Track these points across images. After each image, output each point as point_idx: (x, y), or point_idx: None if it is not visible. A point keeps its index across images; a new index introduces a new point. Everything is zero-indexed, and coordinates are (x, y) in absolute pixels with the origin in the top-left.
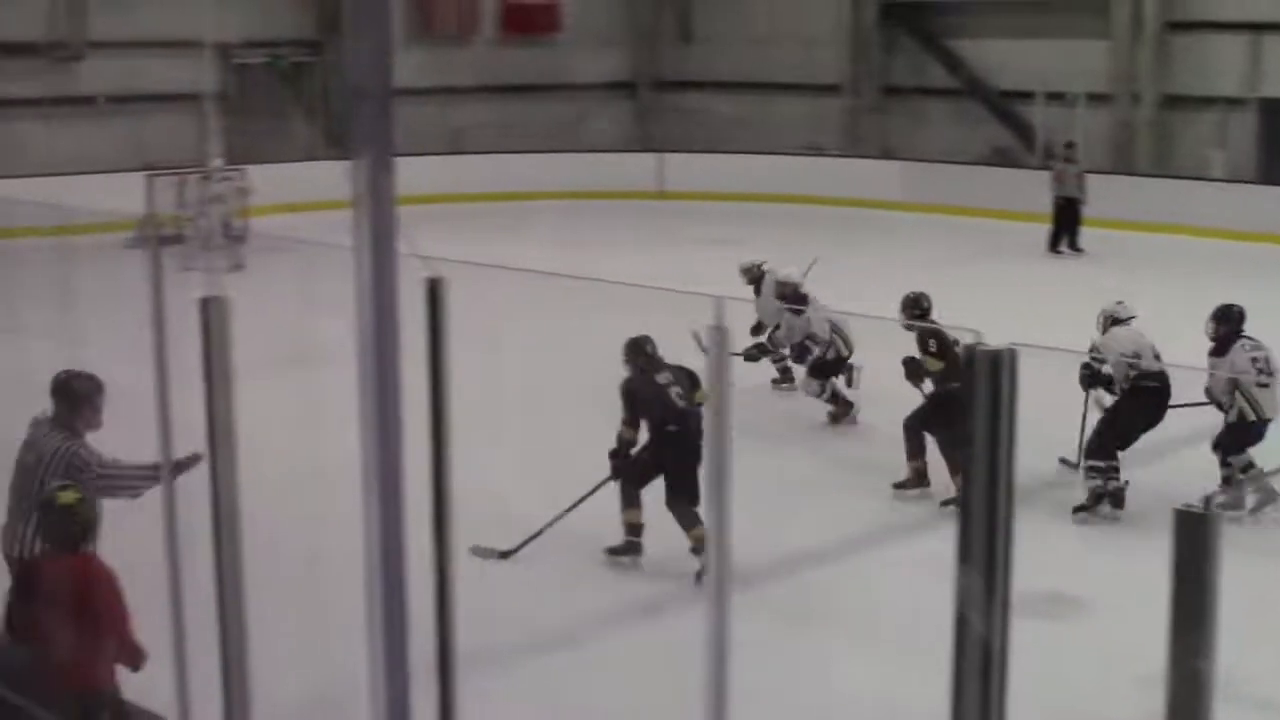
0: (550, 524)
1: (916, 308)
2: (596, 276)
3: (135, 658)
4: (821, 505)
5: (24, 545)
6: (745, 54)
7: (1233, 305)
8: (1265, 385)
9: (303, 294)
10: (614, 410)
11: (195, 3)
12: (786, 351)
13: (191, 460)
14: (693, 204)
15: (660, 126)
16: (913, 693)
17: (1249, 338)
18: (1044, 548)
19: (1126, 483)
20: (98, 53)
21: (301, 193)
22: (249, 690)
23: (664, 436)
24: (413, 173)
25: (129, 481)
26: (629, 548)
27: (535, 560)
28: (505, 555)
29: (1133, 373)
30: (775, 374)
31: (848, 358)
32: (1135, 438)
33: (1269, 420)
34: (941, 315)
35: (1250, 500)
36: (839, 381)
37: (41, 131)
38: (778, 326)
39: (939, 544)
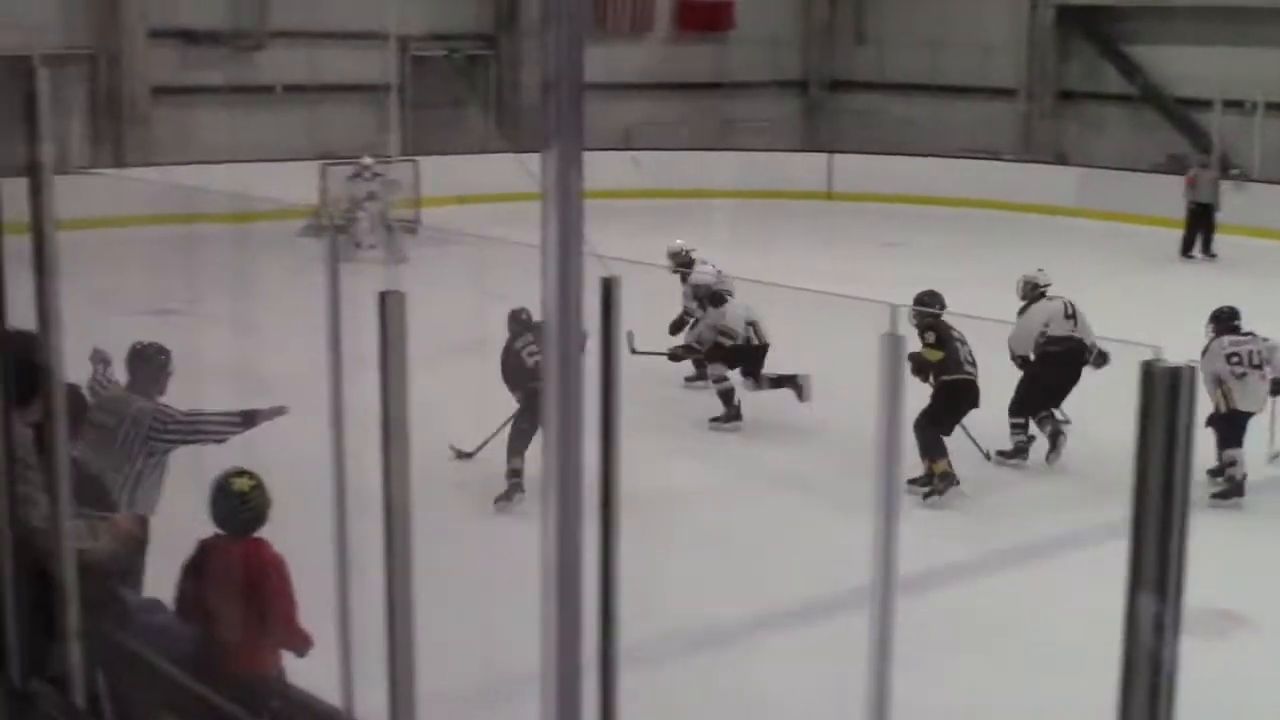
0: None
1: (923, 304)
2: (766, 279)
3: (301, 644)
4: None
5: (124, 505)
6: (919, 56)
7: (1224, 307)
8: (1240, 377)
9: (471, 286)
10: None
11: None
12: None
13: (276, 411)
14: (862, 205)
15: (830, 127)
16: None
17: (1240, 333)
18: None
19: (1060, 432)
20: (278, 42)
21: (474, 185)
22: (414, 680)
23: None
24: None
25: (214, 428)
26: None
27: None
28: (465, 456)
29: (1042, 339)
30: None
31: (760, 350)
32: (1056, 398)
33: (1242, 412)
34: (1101, 324)
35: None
36: (745, 385)
37: (222, 119)
38: (697, 321)
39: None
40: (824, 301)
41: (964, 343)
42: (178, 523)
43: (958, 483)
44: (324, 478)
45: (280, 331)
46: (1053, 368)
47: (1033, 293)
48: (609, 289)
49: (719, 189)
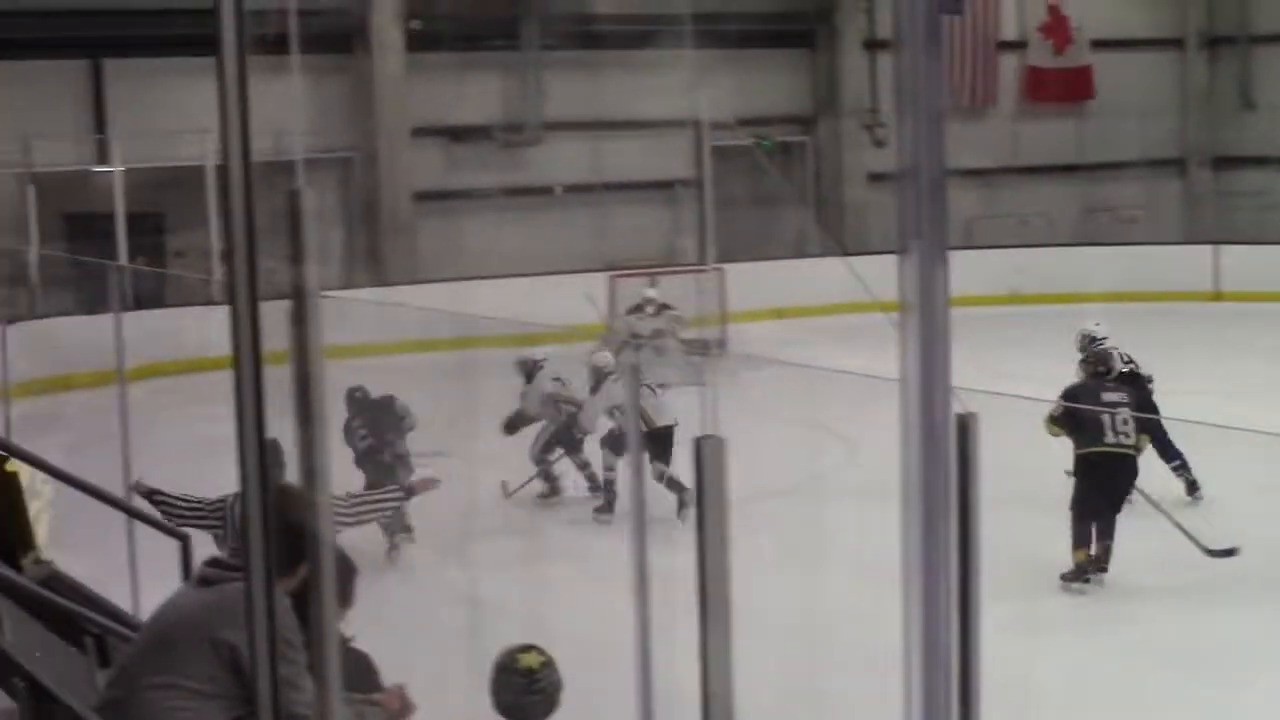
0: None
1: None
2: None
3: None
4: None
5: None
6: None
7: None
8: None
9: (791, 417)
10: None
11: (667, 77)
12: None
13: (429, 483)
14: (1257, 307)
15: (1215, 212)
16: None
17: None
18: None
19: None
20: (556, 136)
21: (791, 295)
22: None
23: None
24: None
25: (377, 505)
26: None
27: None
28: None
29: None
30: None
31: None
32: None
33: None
34: None
35: None
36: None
37: (493, 226)
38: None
39: None
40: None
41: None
42: (452, 702)
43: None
44: (624, 658)
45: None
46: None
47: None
48: (964, 426)
49: (1079, 292)
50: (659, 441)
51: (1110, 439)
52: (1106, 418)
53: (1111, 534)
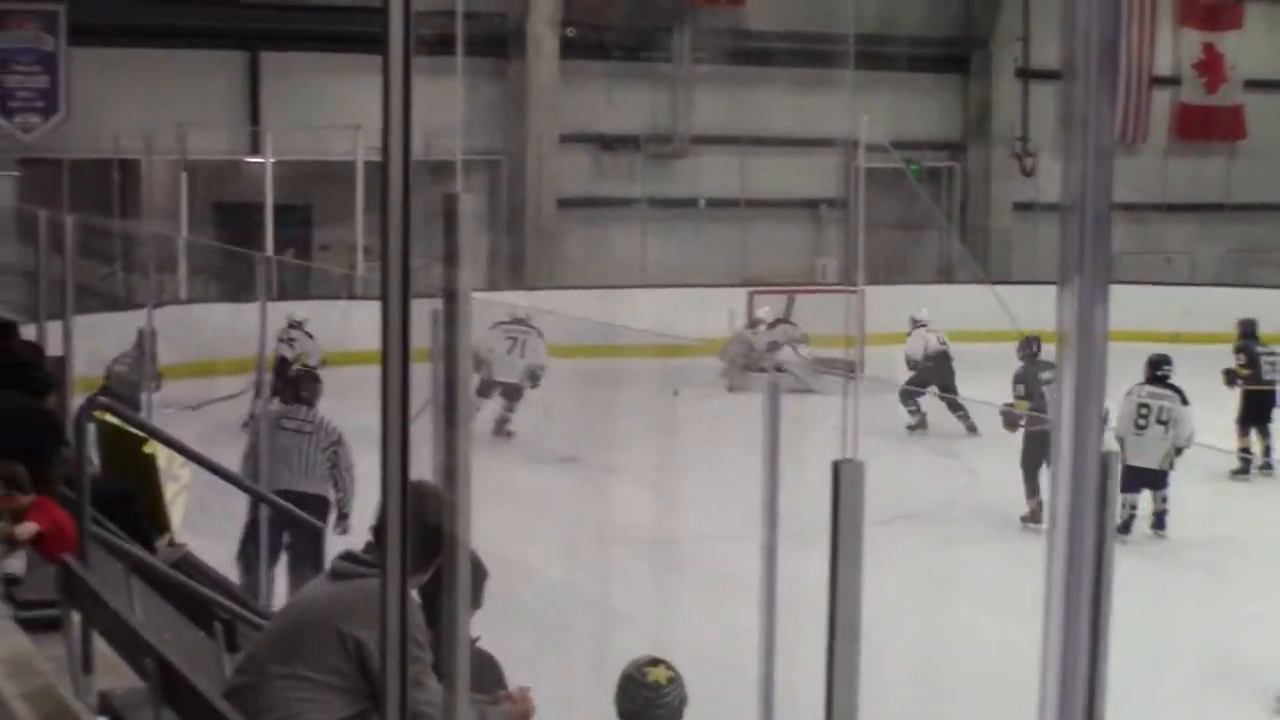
0: None
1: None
2: None
3: None
4: None
5: None
6: None
7: (1156, 355)
8: (1140, 429)
9: (918, 445)
10: None
11: (818, 96)
12: None
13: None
14: None
15: None
16: None
17: (1162, 384)
18: None
19: None
20: (702, 149)
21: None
22: None
23: None
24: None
25: None
26: None
27: None
28: None
29: None
30: None
31: None
32: None
33: (1136, 467)
34: None
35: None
36: None
37: (634, 235)
38: None
39: None
40: None
41: None
42: (570, 708)
43: None
44: (747, 677)
45: (695, 488)
46: None
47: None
48: (1106, 466)
49: (1228, 333)
50: None
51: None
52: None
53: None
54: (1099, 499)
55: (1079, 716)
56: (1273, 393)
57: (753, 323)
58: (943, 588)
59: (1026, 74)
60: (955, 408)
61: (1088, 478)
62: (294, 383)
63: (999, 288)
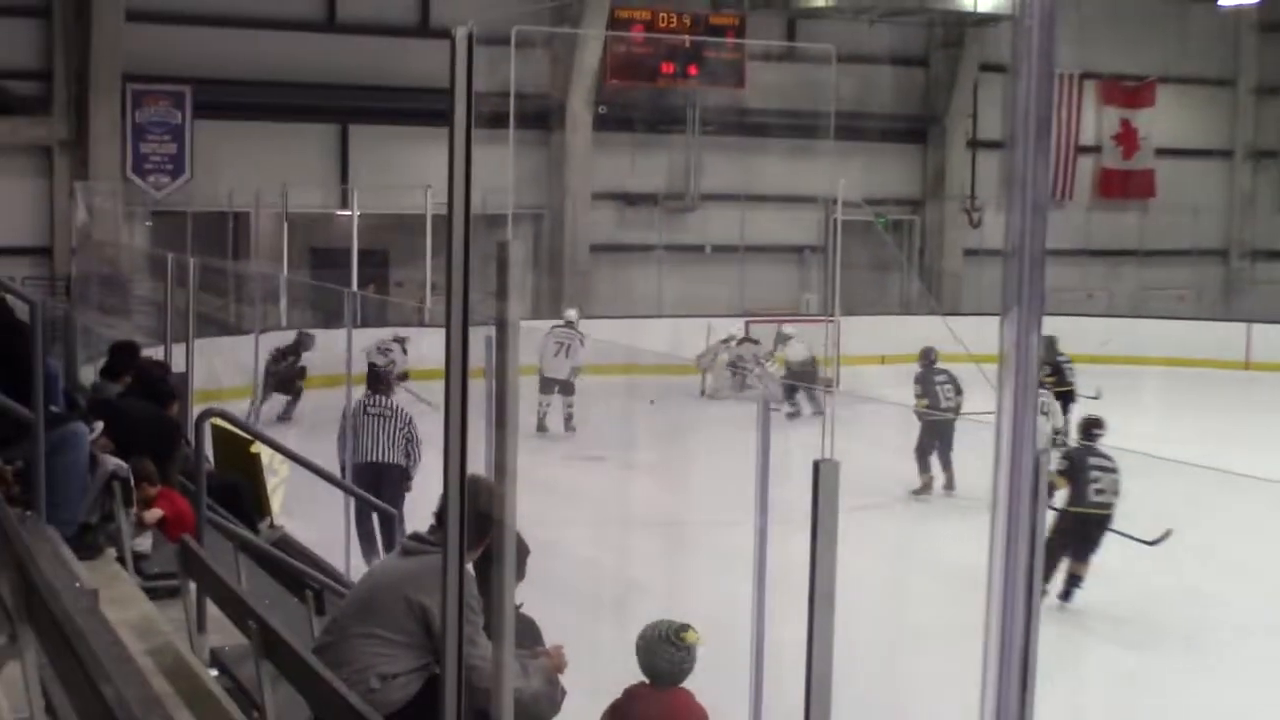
0: None
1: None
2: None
3: None
4: None
5: None
6: None
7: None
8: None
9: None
10: None
11: (805, 162)
12: None
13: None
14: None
15: (1250, 296)
16: None
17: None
18: None
19: None
20: (710, 204)
21: (895, 344)
22: None
23: None
24: (984, 328)
25: None
26: None
27: None
28: None
29: None
30: None
31: None
32: None
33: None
34: None
35: None
36: None
37: (654, 275)
38: None
39: None
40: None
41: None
42: (598, 663)
43: None
44: (743, 636)
45: (700, 481)
46: None
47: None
48: (1038, 463)
49: (1140, 355)
50: None
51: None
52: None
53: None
54: (1033, 491)
55: (1016, 667)
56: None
57: (726, 340)
58: (905, 563)
59: (975, 144)
60: (815, 400)
61: (1025, 474)
62: (378, 379)
63: (950, 318)
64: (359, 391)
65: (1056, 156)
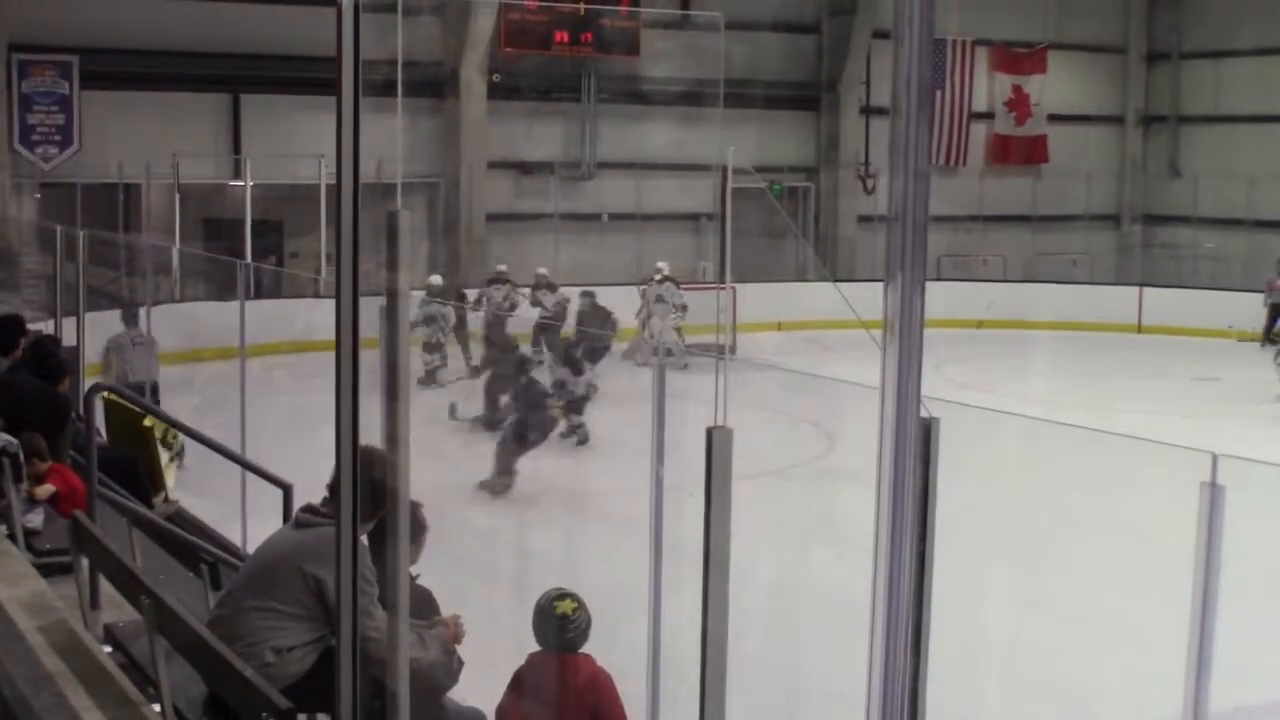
0: None
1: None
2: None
3: None
4: None
5: None
6: (1235, 190)
7: None
8: None
9: (778, 412)
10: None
11: (700, 129)
12: None
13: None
14: (1171, 339)
15: (1142, 260)
16: None
17: None
18: None
19: None
20: (606, 173)
21: (790, 311)
22: None
23: None
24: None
25: None
26: None
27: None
28: None
29: None
30: None
31: None
32: None
33: None
34: None
35: None
36: None
37: (551, 244)
38: None
39: None
40: (1135, 445)
41: None
42: (497, 633)
43: None
44: (640, 602)
45: (598, 450)
46: None
47: None
48: (927, 431)
49: (1030, 320)
50: None
51: None
52: None
53: None
54: (922, 456)
55: (904, 630)
56: None
57: (655, 273)
58: (799, 531)
59: (868, 111)
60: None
61: (908, 441)
62: None
63: (844, 285)
64: (254, 364)
65: (949, 123)
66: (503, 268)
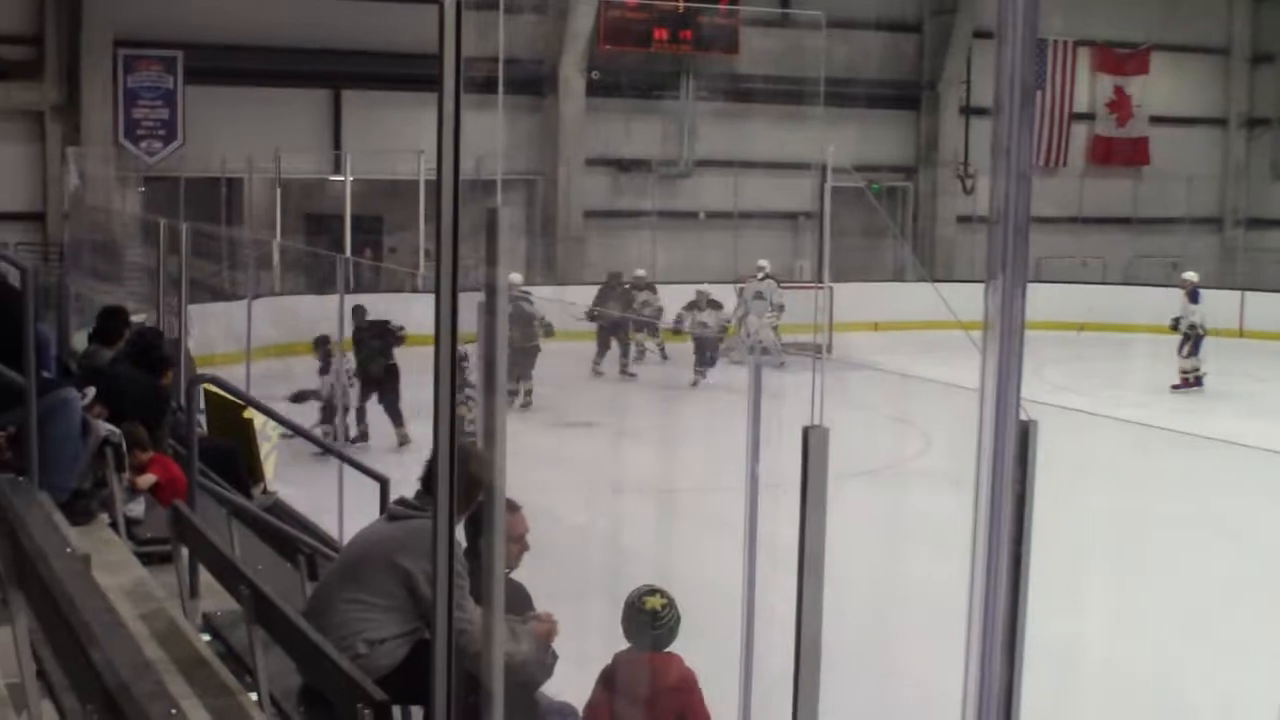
0: None
1: None
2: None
3: None
4: None
5: None
6: None
7: None
8: None
9: (874, 412)
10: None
11: (799, 128)
12: None
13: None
14: (1273, 344)
15: (1244, 264)
16: None
17: None
18: None
19: None
20: (704, 171)
21: (887, 312)
22: None
23: None
24: (976, 296)
25: None
26: None
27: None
28: None
29: None
30: None
31: None
32: None
33: None
34: None
35: None
36: None
37: (646, 241)
38: None
39: None
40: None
41: None
42: (589, 630)
43: None
44: (733, 601)
45: (691, 448)
46: None
47: None
48: (1026, 434)
49: (1129, 323)
50: None
51: None
52: None
53: None
54: (1019, 460)
55: (1000, 633)
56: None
57: (755, 270)
58: (894, 531)
59: (968, 110)
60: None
61: (1007, 443)
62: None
63: (943, 285)
64: (351, 357)
65: (1050, 124)
66: (642, 272)
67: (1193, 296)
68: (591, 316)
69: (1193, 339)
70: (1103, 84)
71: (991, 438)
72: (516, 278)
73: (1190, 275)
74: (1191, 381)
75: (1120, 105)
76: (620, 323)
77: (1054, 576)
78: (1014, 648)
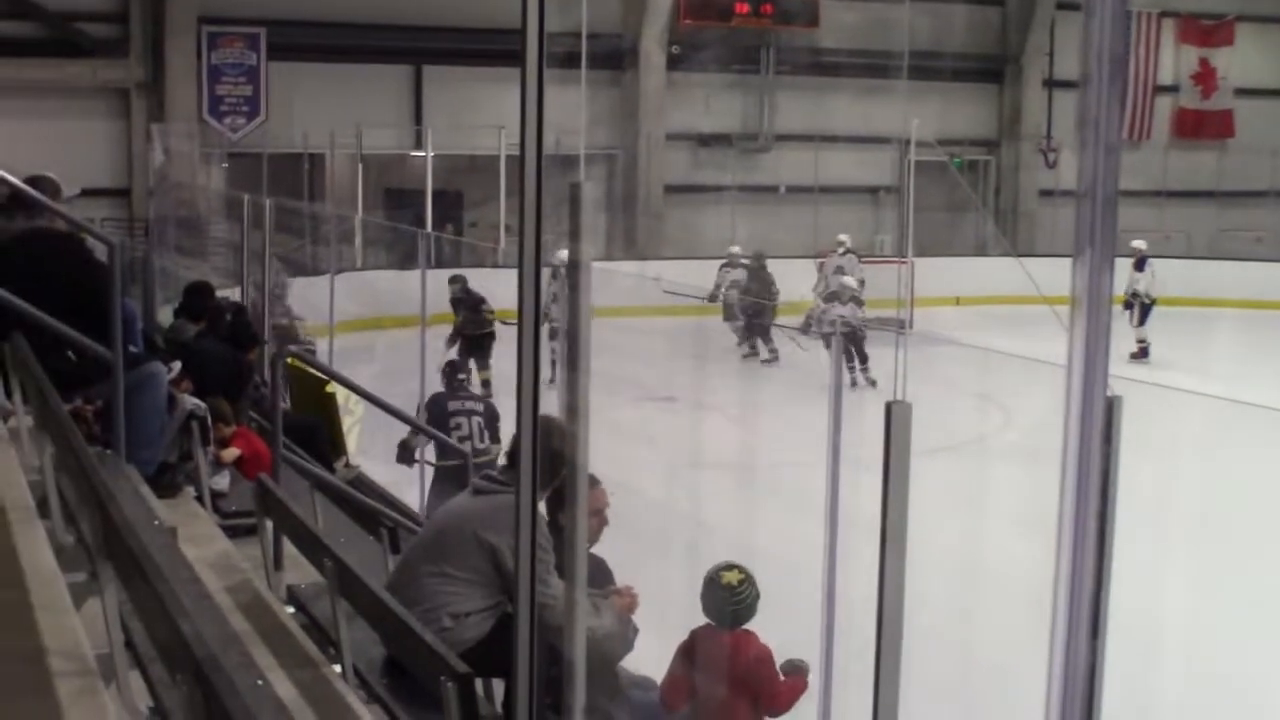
0: None
1: None
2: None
3: None
4: None
5: None
6: None
7: None
8: None
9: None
10: None
11: (880, 101)
12: None
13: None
14: None
15: None
16: None
17: None
18: None
19: None
20: (784, 145)
21: (969, 287)
22: None
23: None
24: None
25: None
26: None
27: None
28: None
29: None
30: None
31: None
32: None
33: None
34: None
35: None
36: None
37: (727, 216)
38: None
39: None
40: None
41: None
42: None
43: None
44: (813, 577)
45: (771, 422)
46: None
47: None
48: (1111, 410)
49: (1214, 298)
50: None
51: None
52: None
53: None
54: (1104, 436)
55: (1085, 610)
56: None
57: (836, 244)
58: (975, 508)
59: (1051, 83)
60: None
61: (1095, 419)
62: None
63: (1025, 260)
64: (433, 332)
65: (1134, 96)
66: (736, 249)
67: (1139, 265)
68: (728, 300)
69: (1137, 307)
70: (1187, 56)
71: (1079, 414)
72: (736, 249)
73: (1138, 243)
74: (1138, 354)
75: (1205, 77)
76: (762, 309)
77: (1139, 554)
78: (1098, 626)
